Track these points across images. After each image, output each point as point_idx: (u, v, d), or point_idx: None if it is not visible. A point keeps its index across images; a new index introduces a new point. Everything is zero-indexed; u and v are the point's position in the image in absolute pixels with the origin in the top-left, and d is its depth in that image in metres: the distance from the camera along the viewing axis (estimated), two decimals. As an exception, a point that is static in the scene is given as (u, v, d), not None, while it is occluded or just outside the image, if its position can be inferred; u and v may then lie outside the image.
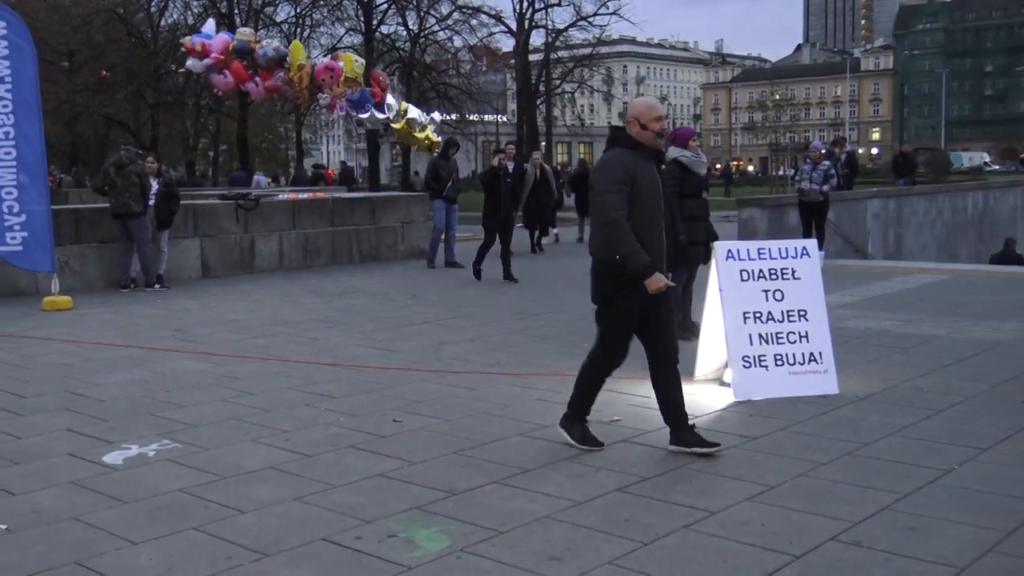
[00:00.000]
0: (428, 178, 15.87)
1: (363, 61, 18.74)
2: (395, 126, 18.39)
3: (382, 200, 18.09)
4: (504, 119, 66.76)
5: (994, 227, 24.07)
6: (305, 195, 18.34)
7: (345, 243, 16.71)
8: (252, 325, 10.16)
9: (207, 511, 4.61)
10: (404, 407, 6.56)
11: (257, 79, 17.68)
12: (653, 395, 6.72)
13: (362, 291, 12.99)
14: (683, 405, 5.52)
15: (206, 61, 17.54)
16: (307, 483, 5.00)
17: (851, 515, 4.42)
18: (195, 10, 41.53)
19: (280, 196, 17.35)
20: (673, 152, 8.78)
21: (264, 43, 18.16)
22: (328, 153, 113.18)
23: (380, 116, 18.06)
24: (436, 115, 20.64)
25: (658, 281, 5.18)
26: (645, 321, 5.41)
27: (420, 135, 18.67)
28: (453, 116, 41.61)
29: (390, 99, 18.47)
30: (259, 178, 34.06)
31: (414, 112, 18.73)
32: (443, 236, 15.81)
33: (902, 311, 10.36)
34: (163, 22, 44.66)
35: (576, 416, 5.61)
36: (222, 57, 17.48)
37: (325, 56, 19.27)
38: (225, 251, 15.05)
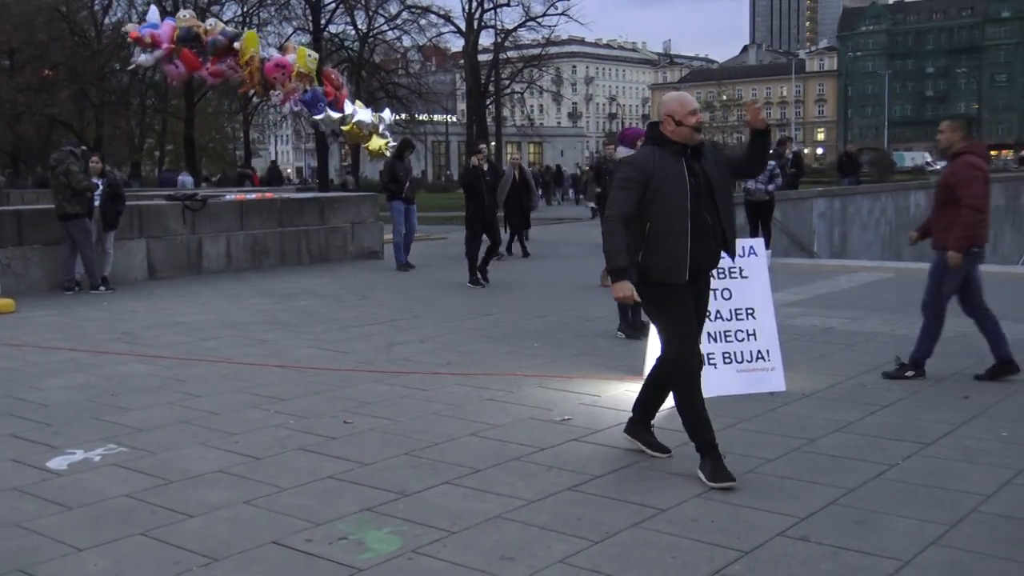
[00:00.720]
0: (386, 180, 15.70)
1: (316, 55, 18.45)
2: (344, 128, 18.22)
3: (331, 200, 17.98)
4: (454, 119, 66.70)
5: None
6: (253, 195, 18.16)
7: (294, 244, 16.58)
8: (200, 327, 10.04)
9: (154, 516, 4.55)
10: (354, 408, 6.53)
11: (208, 65, 17.38)
12: (603, 395, 6.79)
13: (312, 292, 12.90)
14: (656, 409, 5.43)
15: (156, 53, 17.18)
16: (256, 486, 4.95)
17: (798, 510, 4.48)
18: (139, 8, 40.95)
19: (227, 196, 17.17)
20: (621, 152, 8.93)
21: (211, 24, 17.74)
22: (277, 153, 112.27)
23: (335, 115, 17.87)
24: (387, 114, 20.47)
25: (622, 290, 4.88)
26: None
27: (373, 145, 18.45)
28: (402, 116, 41.46)
29: (349, 106, 18.20)
30: (183, 179, 33.70)
31: (364, 115, 18.54)
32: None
33: (847, 309, 10.51)
34: (107, 20, 44.05)
35: (641, 421, 5.40)
36: (172, 45, 17.15)
37: (276, 51, 18.84)
38: (172, 252, 14.87)
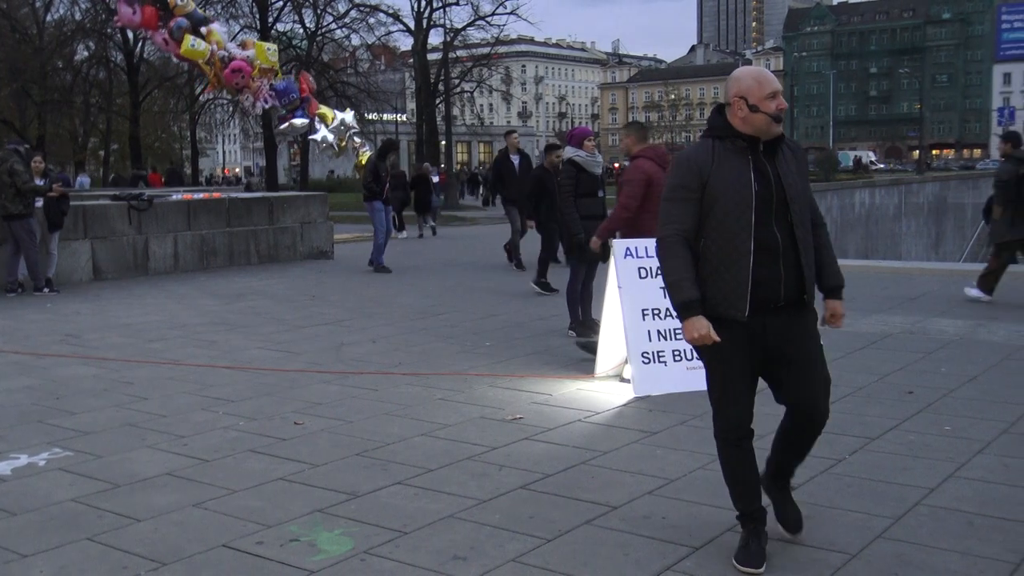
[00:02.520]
0: (368, 180, 15.41)
1: (275, 47, 18.09)
2: (341, 144, 17.78)
3: (280, 200, 17.83)
4: (403, 118, 66.46)
5: (879, 224, 24.95)
6: (201, 195, 17.93)
7: (243, 244, 16.43)
8: (146, 329, 9.91)
9: (101, 520, 4.49)
10: (305, 409, 6.49)
11: (165, 36, 16.92)
12: (555, 393, 6.81)
13: (261, 292, 12.79)
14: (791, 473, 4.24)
15: None
16: (206, 489, 4.90)
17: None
18: (82, 5, 40.36)
19: (174, 196, 16.95)
20: (568, 152, 9.03)
21: (182, 1, 17.16)
22: (224, 152, 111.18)
23: (300, 123, 17.57)
24: (349, 116, 20.11)
25: (696, 328, 3.78)
26: (775, 366, 3.93)
27: (363, 159, 18.12)
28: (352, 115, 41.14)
29: (329, 111, 17.81)
30: (82, 179, 33.26)
31: (348, 116, 18.22)
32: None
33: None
34: (49, 18, 43.31)
35: (745, 511, 3.99)
36: None
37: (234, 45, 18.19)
38: (117, 253, 14.65)
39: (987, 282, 10.63)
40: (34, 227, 12.63)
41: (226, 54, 16.82)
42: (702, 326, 3.77)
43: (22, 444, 5.75)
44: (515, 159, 13.21)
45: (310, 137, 17.65)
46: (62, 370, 7.90)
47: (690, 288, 3.80)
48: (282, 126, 17.68)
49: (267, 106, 17.37)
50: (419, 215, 23.61)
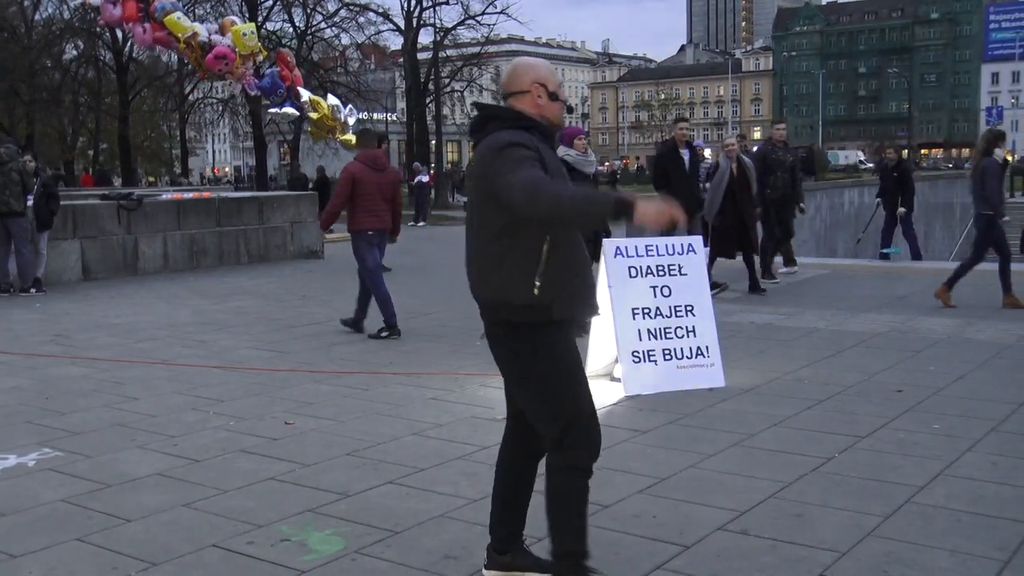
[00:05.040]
0: None
1: (252, 28, 17.93)
2: (313, 116, 17.77)
3: (270, 200, 17.80)
4: (394, 117, 66.38)
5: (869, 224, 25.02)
6: (191, 194, 17.87)
7: (232, 243, 16.39)
8: (136, 329, 9.89)
9: (91, 521, 4.48)
10: (295, 409, 6.48)
11: (147, 24, 16.84)
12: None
13: (251, 292, 12.77)
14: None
15: None
16: (196, 489, 4.89)
17: (738, 504, 4.54)
18: (71, 4, 40.17)
19: (164, 196, 16.91)
20: (560, 152, 8.95)
21: None
22: (214, 152, 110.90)
23: (292, 111, 17.51)
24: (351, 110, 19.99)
25: (655, 206, 3.18)
26: None
27: (346, 137, 18.05)
28: (342, 114, 41.08)
29: (304, 93, 17.82)
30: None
31: (332, 99, 18.16)
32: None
33: (784, 305, 10.67)
34: (37, 16, 43.13)
35: (582, 550, 3.53)
36: None
37: (214, 28, 18.00)
38: (107, 253, 14.61)
39: None
40: (28, 225, 12.62)
41: (206, 39, 16.72)
42: (659, 202, 3.19)
43: (11, 444, 5.73)
44: (685, 153, 11.32)
45: (271, 110, 17.57)
46: (52, 370, 7.88)
47: (603, 192, 3.43)
48: (273, 110, 17.63)
49: (252, 92, 17.31)
50: None
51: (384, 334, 9.20)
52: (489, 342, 3.60)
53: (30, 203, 12.73)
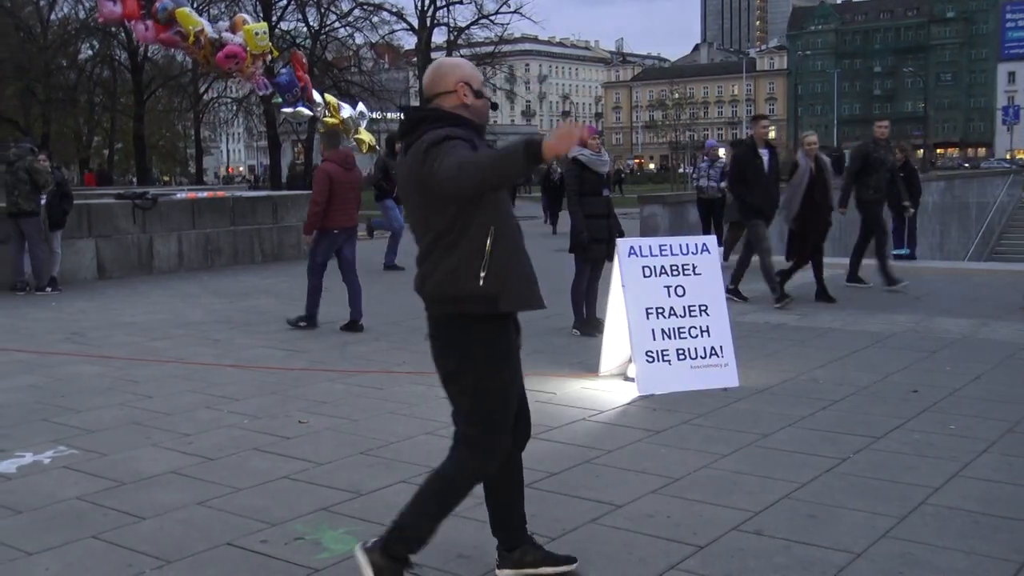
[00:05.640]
0: (378, 177, 15.28)
1: (264, 28, 17.93)
2: (330, 120, 17.77)
3: (284, 199, 17.84)
4: (407, 117, 66.44)
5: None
6: (205, 193, 17.95)
7: (247, 243, 16.44)
8: (151, 327, 9.92)
9: (106, 518, 4.49)
10: (309, 408, 6.49)
11: (149, 22, 16.82)
12: (558, 392, 6.81)
13: (265, 291, 12.80)
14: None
15: None
16: (210, 487, 4.91)
17: (752, 505, 4.52)
18: (86, 4, 40.38)
19: (179, 195, 16.97)
20: (573, 151, 8.92)
21: None
22: (229, 151, 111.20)
23: (306, 112, 17.53)
24: (362, 108, 19.96)
25: (566, 130, 3.21)
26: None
27: (366, 137, 18.05)
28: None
29: (316, 95, 17.84)
30: None
31: (346, 111, 18.19)
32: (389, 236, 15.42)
33: (799, 305, 10.62)
34: (53, 16, 43.38)
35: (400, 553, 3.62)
36: None
37: (225, 25, 17.99)
38: (122, 252, 14.67)
39: None
40: (41, 225, 12.68)
41: (217, 37, 16.69)
42: (560, 127, 3.23)
43: (27, 442, 5.76)
44: (764, 153, 10.63)
45: (283, 109, 17.57)
46: (67, 368, 7.91)
47: (514, 140, 3.32)
48: (286, 109, 17.63)
49: (262, 92, 17.30)
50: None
51: (302, 324, 9.70)
52: (431, 339, 3.66)
53: (43, 202, 12.80)
